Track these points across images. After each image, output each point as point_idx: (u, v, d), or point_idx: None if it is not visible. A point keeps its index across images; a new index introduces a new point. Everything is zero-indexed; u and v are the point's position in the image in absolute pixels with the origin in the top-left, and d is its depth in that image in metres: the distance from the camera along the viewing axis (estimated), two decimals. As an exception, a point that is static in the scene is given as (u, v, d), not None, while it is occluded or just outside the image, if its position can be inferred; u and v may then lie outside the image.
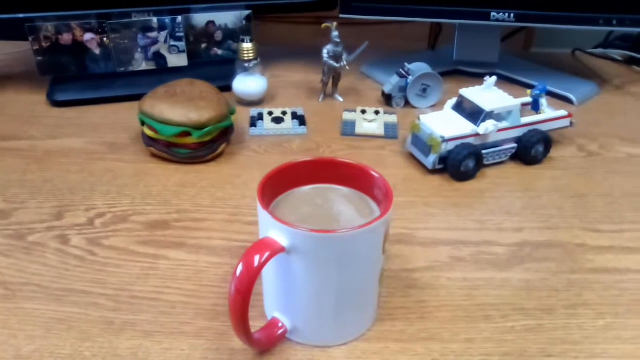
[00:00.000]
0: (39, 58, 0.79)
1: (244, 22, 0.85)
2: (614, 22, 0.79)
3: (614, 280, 0.51)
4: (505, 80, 0.88)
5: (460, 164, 0.62)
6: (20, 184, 0.62)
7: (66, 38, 0.78)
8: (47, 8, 0.77)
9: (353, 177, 0.45)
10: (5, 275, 0.50)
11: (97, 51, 0.80)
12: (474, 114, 0.64)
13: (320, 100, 0.82)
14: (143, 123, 0.66)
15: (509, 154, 0.67)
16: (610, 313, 0.47)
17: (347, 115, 0.76)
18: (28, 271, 0.50)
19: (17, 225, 0.56)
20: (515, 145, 0.66)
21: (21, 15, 0.77)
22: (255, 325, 0.41)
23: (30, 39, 0.77)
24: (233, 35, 0.85)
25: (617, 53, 1.00)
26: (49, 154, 0.68)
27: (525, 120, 0.66)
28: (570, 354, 0.43)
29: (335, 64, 0.78)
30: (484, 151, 0.64)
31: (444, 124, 0.64)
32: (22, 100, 0.81)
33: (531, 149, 0.66)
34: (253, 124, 0.74)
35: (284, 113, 0.76)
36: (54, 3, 0.78)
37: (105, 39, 0.80)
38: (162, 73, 0.82)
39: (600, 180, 0.65)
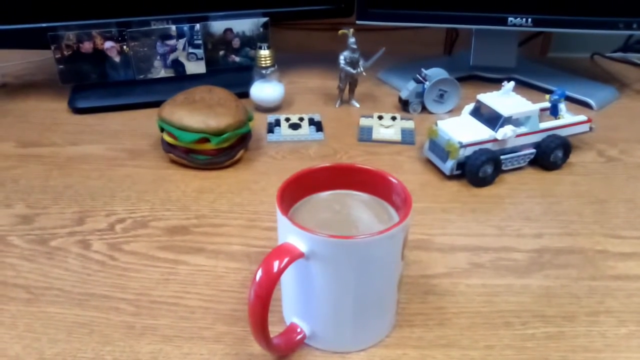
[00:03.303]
0: (61, 66, 0.80)
1: (261, 29, 0.85)
2: (634, 25, 0.78)
3: (637, 287, 0.50)
4: (523, 85, 0.88)
5: (478, 169, 0.62)
6: (43, 189, 0.63)
7: (87, 46, 0.80)
8: (68, 17, 0.79)
9: (371, 183, 0.45)
10: (29, 279, 0.51)
11: (117, 59, 0.82)
12: (492, 119, 0.64)
13: (337, 106, 0.83)
14: (162, 129, 0.67)
15: (528, 160, 0.66)
16: (633, 321, 0.46)
17: (363, 121, 0.77)
18: (50, 275, 0.51)
19: (39, 230, 0.57)
20: (534, 150, 0.66)
21: (44, 25, 0.78)
22: (274, 330, 0.41)
23: (52, 47, 0.79)
24: (250, 42, 0.86)
25: (637, 57, 0.99)
26: (70, 160, 0.69)
27: (544, 125, 0.66)
28: (592, 361, 0.43)
29: (352, 70, 0.78)
30: (502, 157, 0.64)
31: (462, 130, 0.64)
32: (44, 108, 0.82)
33: (550, 155, 0.65)
34: (270, 130, 0.75)
35: (301, 119, 0.76)
36: (75, 12, 0.79)
37: (125, 47, 0.81)
38: (181, 80, 0.83)
39: (621, 186, 0.64)
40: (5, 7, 0.77)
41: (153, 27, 0.81)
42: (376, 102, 0.84)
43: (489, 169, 0.63)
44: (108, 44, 0.80)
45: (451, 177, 0.65)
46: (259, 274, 0.37)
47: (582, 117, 0.68)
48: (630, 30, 0.79)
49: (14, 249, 0.54)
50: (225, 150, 0.66)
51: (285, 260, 0.37)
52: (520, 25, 0.81)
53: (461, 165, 0.64)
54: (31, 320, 0.46)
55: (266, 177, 0.66)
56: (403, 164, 0.68)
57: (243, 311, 0.47)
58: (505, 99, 0.65)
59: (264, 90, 0.79)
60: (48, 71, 0.93)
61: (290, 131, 0.74)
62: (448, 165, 0.64)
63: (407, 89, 0.80)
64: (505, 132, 0.62)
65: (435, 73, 0.79)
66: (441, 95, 0.80)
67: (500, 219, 0.59)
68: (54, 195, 0.62)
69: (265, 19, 0.85)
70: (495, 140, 0.63)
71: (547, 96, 0.71)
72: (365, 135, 0.74)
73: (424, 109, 0.80)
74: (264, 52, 0.78)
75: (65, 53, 0.79)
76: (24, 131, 0.76)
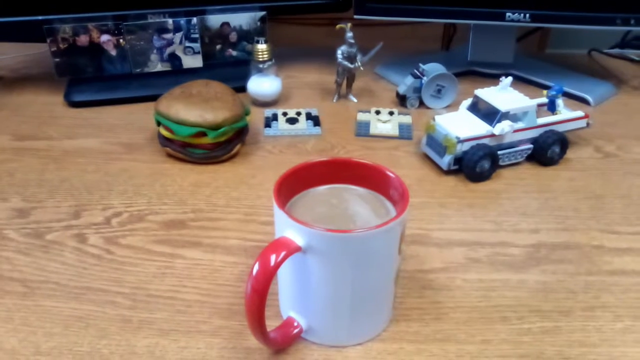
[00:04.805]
0: (57, 59, 0.80)
1: (259, 24, 0.85)
2: (632, 21, 0.78)
3: (633, 282, 0.50)
4: (520, 81, 0.88)
5: (475, 164, 0.62)
6: (39, 183, 0.63)
7: (83, 39, 0.79)
8: (65, 10, 0.78)
9: (369, 177, 0.45)
10: (25, 273, 0.50)
11: (113, 52, 0.81)
12: (490, 114, 0.64)
13: (334, 101, 0.83)
14: (159, 123, 0.67)
15: (525, 155, 0.66)
16: (629, 316, 0.47)
17: (361, 116, 0.77)
18: (46, 269, 0.51)
19: (35, 224, 0.56)
20: (531, 146, 0.66)
21: (40, 17, 0.78)
22: (271, 324, 0.41)
23: (48, 40, 0.78)
24: (247, 36, 0.85)
25: (634, 53, 0.99)
26: (66, 154, 0.69)
27: (541, 120, 0.66)
28: (588, 356, 0.43)
29: (349, 65, 0.78)
30: (499, 152, 0.64)
31: (459, 125, 0.64)
32: (40, 101, 0.82)
33: (547, 150, 0.65)
34: (267, 124, 0.75)
35: (298, 114, 0.76)
36: (71, 5, 0.79)
37: (121, 41, 0.80)
38: (178, 74, 0.83)
39: (617, 182, 0.64)
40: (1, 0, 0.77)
41: (150, 20, 0.80)
42: (374, 97, 0.84)
43: (486, 164, 0.63)
44: (104, 38, 0.80)
45: (448, 172, 0.65)
46: (256, 267, 0.37)
47: (580, 113, 0.69)
48: (627, 26, 0.79)
49: (10, 242, 0.54)
50: (222, 145, 0.66)
51: (282, 254, 0.37)
52: (518, 21, 0.81)
53: (458, 160, 0.64)
54: (27, 313, 0.46)
55: (263, 172, 0.65)
56: (400, 159, 0.68)
57: (240, 305, 0.47)
58: (503, 95, 0.65)
59: (261, 85, 0.79)
60: (44, 64, 0.93)
61: (288, 126, 0.74)
62: (445, 160, 0.64)
63: (405, 84, 0.80)
64: (503, 127, 0.62)
65: (433, 68, 0.79)
66: (439, 91, 0.79)
67: (497, 214, 0.59)
68: (50, 189, 0.62)
69: (262, 13, 0.84)
70: (492, 135, 0.63)
71: (545, 92, 0.71)
72: (362, 130, 0.74)
73: (421, 104, 0.80)
74: (262, 46, 0.77)
75: (62, 46, 0.79)
76: (19, 125, 0.75)
